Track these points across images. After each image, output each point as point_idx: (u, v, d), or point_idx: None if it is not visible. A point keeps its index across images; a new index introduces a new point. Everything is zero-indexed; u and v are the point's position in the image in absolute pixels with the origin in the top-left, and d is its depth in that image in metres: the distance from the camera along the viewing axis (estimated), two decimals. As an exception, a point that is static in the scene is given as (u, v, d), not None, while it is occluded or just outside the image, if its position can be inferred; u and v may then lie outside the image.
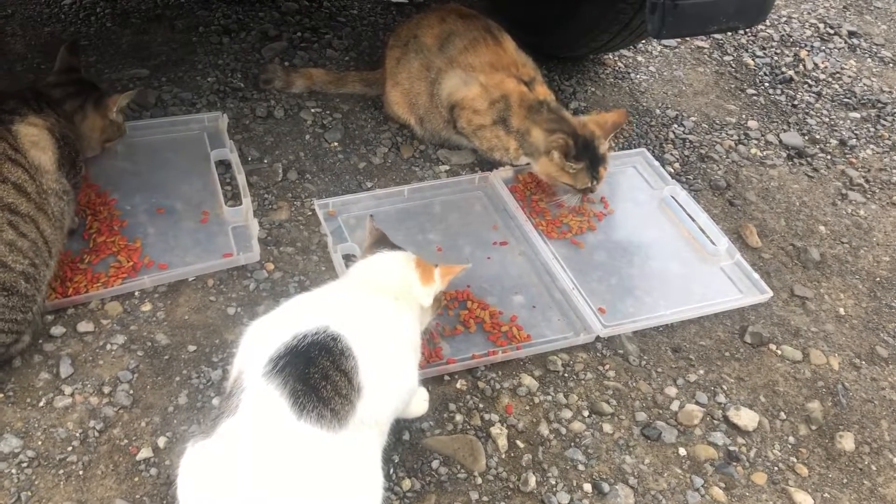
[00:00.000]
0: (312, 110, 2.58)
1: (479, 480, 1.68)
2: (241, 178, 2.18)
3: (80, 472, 1.61)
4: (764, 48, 3.27)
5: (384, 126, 2.57)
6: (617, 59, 3.07)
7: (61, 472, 1.60)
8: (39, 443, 1.64)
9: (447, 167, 2.46)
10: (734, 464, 1.78)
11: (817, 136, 2.83)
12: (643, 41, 3.07)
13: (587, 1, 2.63)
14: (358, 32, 2.98)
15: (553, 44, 2.88)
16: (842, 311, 2.19)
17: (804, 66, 3.18)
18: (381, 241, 1.72)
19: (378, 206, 2.27)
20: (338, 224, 2.19)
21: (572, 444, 1.77)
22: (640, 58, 3.11)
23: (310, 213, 2.23)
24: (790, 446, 1.84)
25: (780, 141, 2.78)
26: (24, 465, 1.60)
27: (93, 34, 2.80)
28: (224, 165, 2.30)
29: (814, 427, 1.88)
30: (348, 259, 2.06)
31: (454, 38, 2.41)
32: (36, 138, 1.76)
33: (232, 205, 2.16)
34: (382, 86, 2.56)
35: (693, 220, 2.31)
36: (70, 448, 1.64)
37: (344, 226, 2.19)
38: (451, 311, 1.99)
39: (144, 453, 1.64)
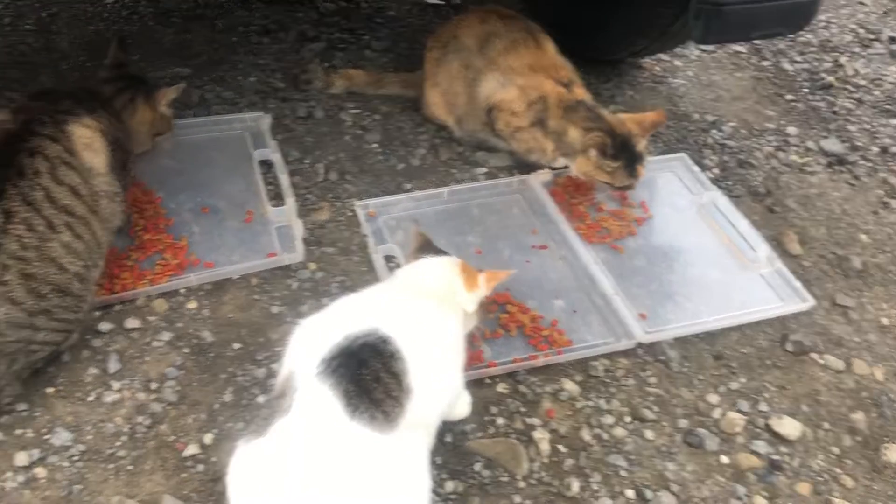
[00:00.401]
0: (352, 111, 2.59)
1: (522, 484, 1.68)
2: (285, 179, 2.20)
3: (130, 467, 1.63)
4: (803, 53, 3.24)
5: (422, 128, 2.58)
6: (654, 62, 3.06)
7: (111, 466, 1.63)
8: (90, 437, 1.67)
9: (485, 169, 2.47)
10: (777, 473, 1.76)
11: (858, 143, 2.80)
12: (681, 45, 3.05)
13: (627, 5, 2.62)
14: (396, 34, 3.00)
15: (591, 47, 2.87)
16: (885, 321, 2.17)
17: (844, 71, 3.15)
18: (426, 247, 1.73)
19: (417, 207, 2.28)
20: (378, 225, 2.20)
21: (614, 449, 1.77)
22: (677, 62, 3.09)
23: (350, 213, 2.24)
24: (834, 457, 1.82)
25: (820, 148, 2.75)
26: (76, 458, 1.63)
27: (135, 32, 2.84)
28: (265, 165, 2.32)
29: (858, 438, 1.87)
30: (389, 260, 2.08)
31: (494, 40, 2.41)
32: (89, 140, 1.77)
33: (275, 204, 2.18)
34: (421, 87, 2.57)
35: (733, 226, 2.30)
36: (119, 443, 1.67)
37: (384, 227, 2.20)
38: (492, 314, 1.99)
39: (191, 449, 1.67)
